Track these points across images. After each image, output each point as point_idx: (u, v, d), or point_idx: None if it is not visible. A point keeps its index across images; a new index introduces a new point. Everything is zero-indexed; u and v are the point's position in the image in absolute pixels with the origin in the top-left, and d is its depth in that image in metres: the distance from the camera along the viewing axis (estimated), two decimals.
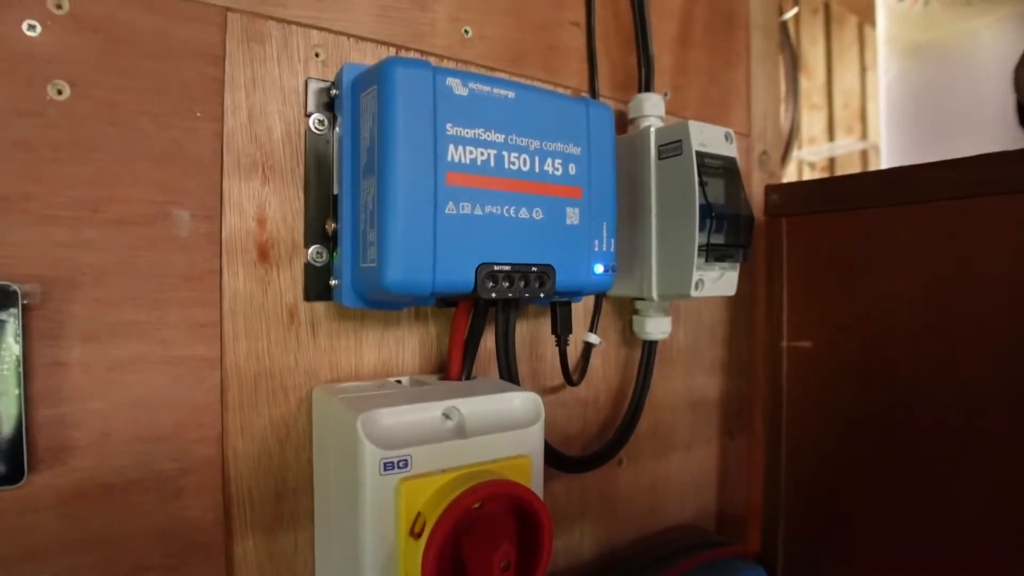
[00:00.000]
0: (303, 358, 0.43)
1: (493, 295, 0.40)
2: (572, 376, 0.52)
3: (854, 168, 2.41)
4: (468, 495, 0.34)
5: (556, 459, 0.52)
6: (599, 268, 0.44)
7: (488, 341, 0.50)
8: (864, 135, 2.37)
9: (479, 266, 0.39)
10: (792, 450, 0.65)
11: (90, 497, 0.37)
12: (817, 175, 2.53)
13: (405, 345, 0.47)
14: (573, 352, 0.56)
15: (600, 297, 0.54)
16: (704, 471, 0.69)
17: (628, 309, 0.58)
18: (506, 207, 0.40)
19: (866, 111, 2.43)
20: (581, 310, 0.56)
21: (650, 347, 0.56)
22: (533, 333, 0.53)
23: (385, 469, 0.34)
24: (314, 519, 0.44)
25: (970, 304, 0.50)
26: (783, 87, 0.93)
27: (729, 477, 0.71)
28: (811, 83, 2.38)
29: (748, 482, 0.71)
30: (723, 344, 0.69)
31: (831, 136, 2.55)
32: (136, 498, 0.38)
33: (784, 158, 0.79)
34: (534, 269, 0.41)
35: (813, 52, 2.42)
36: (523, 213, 0.41)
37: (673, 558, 0.60)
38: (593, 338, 0.55)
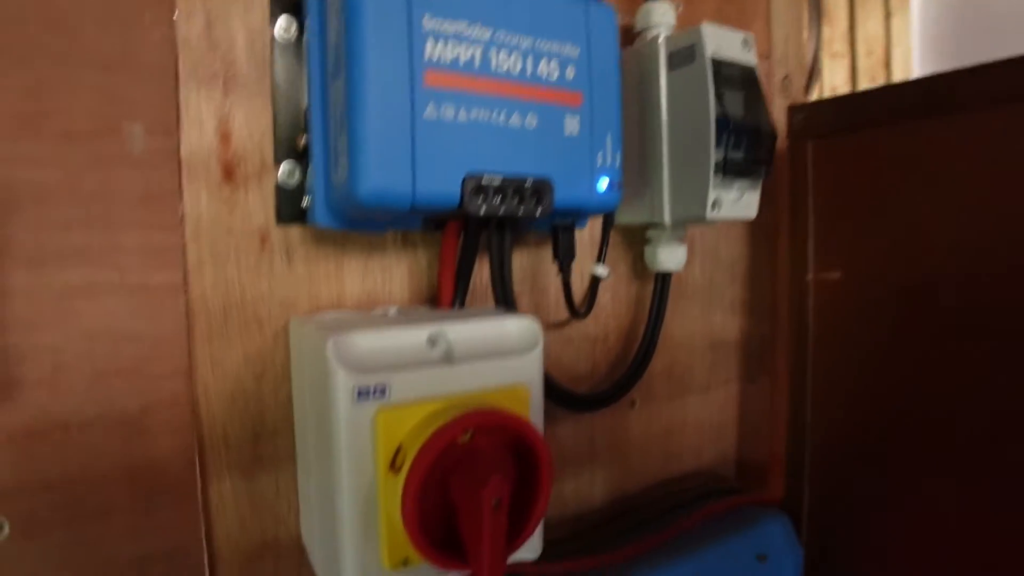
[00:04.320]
0: (278, 288, 0.39)
1: (483, 211, 0.35)
2: (578, 309, 0.48)
3: None
4: (454, 424, 0.30)
5: (561, 396, 0.48)
6: (603, 183, 0.40)
7: (484, 275, 0.46)
8: (889, 83, 2.27)
9: (466, 177, 0.35)
10: (819, 392, 0.61)
11: (45, 436, 0.34)
12: None
13: (392, 274, 0.43)
14: (579, 287, 0.52)
15: (608, 224, 0.49)
16: (723, 416, 0.64)
17: (639, 240, 0.54)
18: (495, 113, 0.36)
19: (891, 59, 2.33)
20: (587, 241, 0.51)
21: (663, 280, 0.52)
22: (534, 265, 0.49)
23: (360, 397, 0.30)
24: (295, 462, 0.40)
25: (1022, 223, 0.45)
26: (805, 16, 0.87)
27: (749, 422, 0.67)
28: (833, 30, 2.29)
29: (770, 428, 0.67)
30: (743, 283, 0.64)
31: (854, 85, 2.46)
32: (97, 437, 0.35)
33: (808, 87, 0.73)
34: (529, 182, 0.37)
35: None
36: (515, 120, 0.36)
37: (692, 505, 0.56)
38: (601, 270, 0.50)
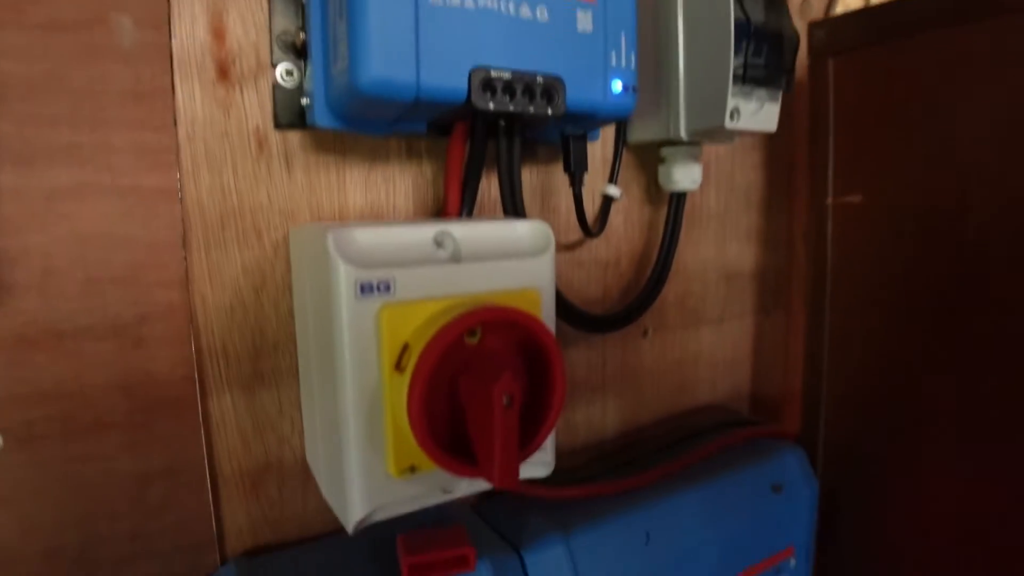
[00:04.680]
0: (277, 196, 0.38)
1: (491, 106, 0.33)
2: (590, 227, 0.46)
3: None
4: (462, 319, 0.29)
5: (572, 314, 0.46)
6: (617, 85, 0.38)
7: (492, 190, 0.44)
8: None
9: (473, 70, 0.33)
10: (836, 327, 0.59)
11: (38, 344, 0.33)
12: None
13: (396, 186, 0.41)
14: (591, 208, 0.50)
15: (620, 139, 0.47)
16: (737, 350, 0.63)
17: (653, 160, 0.52)
18: (504, 1, 0.33)
19: None
20: (599, 161, 0.49)
21: (678, 200, 0.50)
22: (544, 182, 0.47)
23: (363, 292, 0.29)
24: (298, 378, 0.39)
25: None
26: None
27: (764, 357, 0.65)
28: None
29: (785, 363, 0.65)
30: (759, 211, 0.62)
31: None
32: (91, 346, 0.34)
33: (827, 12, 0.70)
34: (539, 79, 0.35)
35: None
36: (524, 12, 0.34)
37: (706, 436, 0.55)
38: (613, 190, 0.48)
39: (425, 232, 0.32)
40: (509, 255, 0.33)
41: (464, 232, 0.32)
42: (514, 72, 0.34)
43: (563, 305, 0.45)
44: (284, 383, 0.39)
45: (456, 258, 0.32)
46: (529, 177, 0.46)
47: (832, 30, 0.56)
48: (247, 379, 0.38)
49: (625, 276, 0.52)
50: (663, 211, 0.52)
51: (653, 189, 0.53)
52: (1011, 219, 0.46)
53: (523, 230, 0.34)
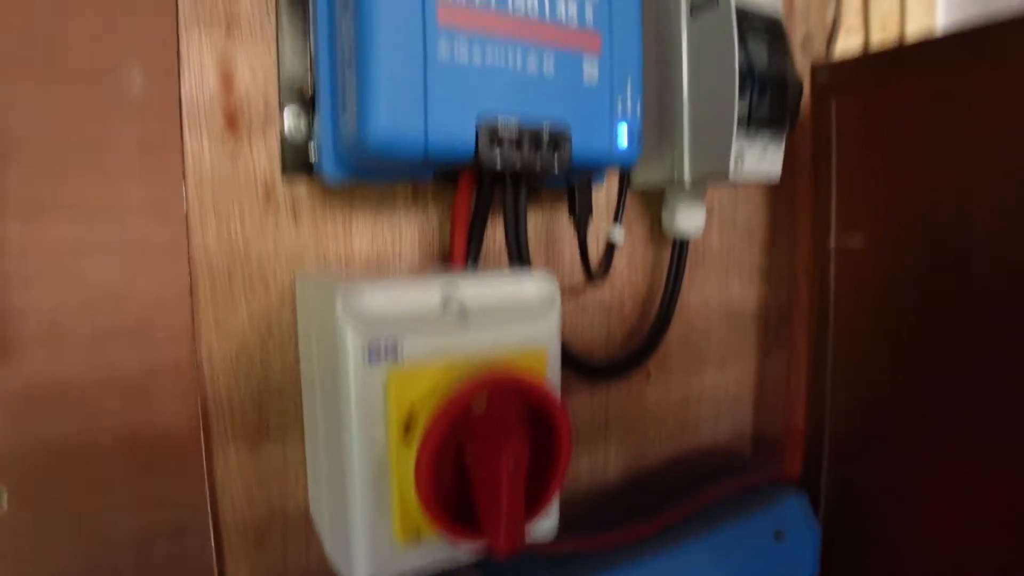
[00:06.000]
0: (284, 245, 0.38)
1: (499, 163, 0.33)
2: (593, 271, 0.46)
3: None
4: (469, 388, 0.28)
5: (576, 364, 0.46)
6: (623, 134, 0.38)
7: (498, 235, 0.44)
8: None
9: (480, 126, 0.33)
10: (839, 367, 0.59)
11: (44, 400, 0.32)
12: None
13: (402, 233, 0.41)
14: (595, 252, 0.50)
15: (625, 183, 0.47)
16: (739, 389, 0.63)
17: (656, 204, 0.52)
18: (511, 55, 0.34)
19: (904, 35, 2.28)
20: (603, 204, 0.49)
21: (681, 245, 0.50)
22: (549, 227, 0.47)
23: (371, 358, 0.29)
24: (303, 426, 0.39)
25: None
26: None
27: (766, 396, 0.65)
28: (847, 5, 2.24)
29: (788, 402, 0.65)
30: (761, 249, 0.62)
31: None
32: (97, 402, 0.33)
33: (828, 47, 0.71)
34: (546, 132, 0.35)
35: None
36: (531, 65, 0.34)
37: (707, 482, 0.54)
38: (617, 234, 0.48)
39: (432, 290, 0.31)
40: (516, 313, 0.33)
41: (471, 290, 0.32)
42: (521, 127, 0.34)
43: (567, 355, 0.45)
44: (289, 433, 0.39)
45: (463, 319, 0.31)
46: (533, 221, 0.46)
47: (834, 73, 0.56)
48: (252, 430, 0.38)
49: (628, 319, 0.52)
50: (666, 251, 0.52)
51: (656, 230, 0.53)
52: (1014, 262, 0.46)
53: (530, 285, 0.34)
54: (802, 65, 0.63)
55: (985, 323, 0.47)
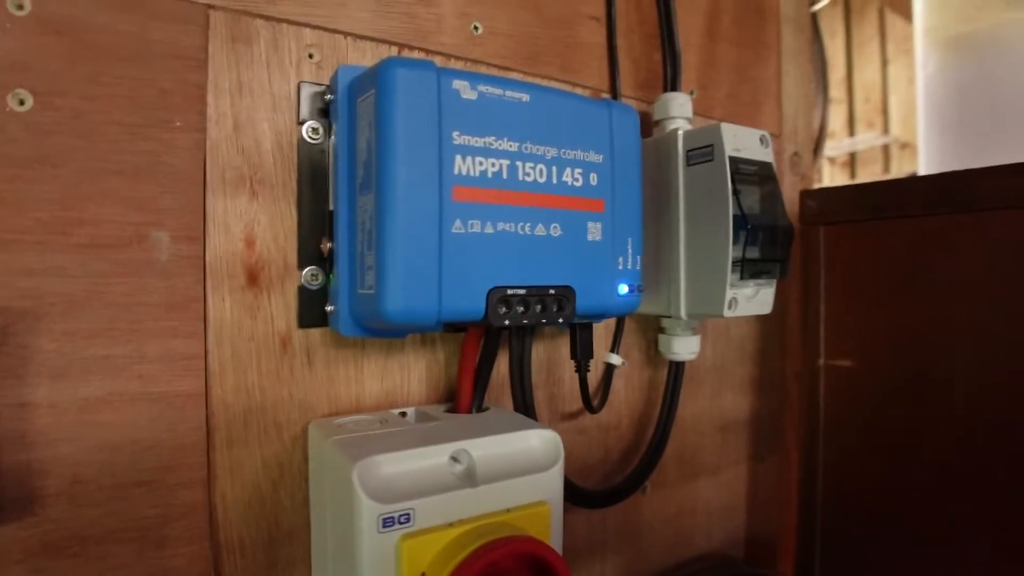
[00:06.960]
0: (298, 391, 0.39)
1: (507, 322, 0.35)
2: (592, 403, 0.48)
3: (876, 163, 2.34)
4: (476, 558, 0.30)
5: (577, 496, 0.48)
6: (623, 289, 0.40)
7: (502, 366, 0.46)
8: (886, 129, 2.31)
9: (491, 290, 0.35)
10: (829, 475, 0.61)
11: (62, 551, 0.33)
12: (838, 170, 2.47)
13: (411, 372, 0.43)
14: (594, 374, 0.52)
15: (622, 321, 0.50)
16: (733, 496, 0.64)
17: (653, 327, 0.54)
18: (520, 224, 0.36)
19: (888, 105, 2.36)
20: (602, 328, 0.51)
21: (677, 368, 0.52)
22: (551, 355, 0.49)
23: (384, 526, 0.30)
24: (311, 565, 0.40)
25: None
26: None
27: (759, 502, 0.66)
28: (831, 77, 2.32)
29: (779, 508, 0.66)
30: (753, 361, 0.64)
31: (851, 131, 2.49)
32: (114, 550, 0.35)
33: (815, 159, 0.74)
34: (552, 292, 0.37)
35: (832, 45, 2.37)
36: (539, 230, 0.37)
37: None
38: (615, 359, 0.50)
39: (443, 453, 0.33)
40: (521, 471, 0.35)
41: (479, 450, 0.34)
42: (529, 288, 0.36)
43: (571, 490, 0.46)
44: (297, 571, 0.40)
45: (472, 481, 0.33)
46: (536, 351, 0.48)
47: (823, 202, 0.59)
48: (261, 570, 0.39)
49: (625, 437, 0.54)
50: (662, 369, 0.54)
51: (653, 352, 0.55)
52: (994, 387, 0.48)
53: (534, 441, 0.36)
54: (790, 183, 0.66)
55: (970, 444, 0.49)
